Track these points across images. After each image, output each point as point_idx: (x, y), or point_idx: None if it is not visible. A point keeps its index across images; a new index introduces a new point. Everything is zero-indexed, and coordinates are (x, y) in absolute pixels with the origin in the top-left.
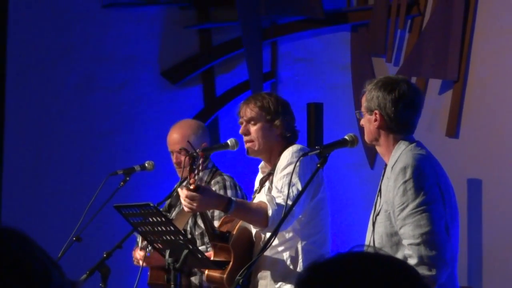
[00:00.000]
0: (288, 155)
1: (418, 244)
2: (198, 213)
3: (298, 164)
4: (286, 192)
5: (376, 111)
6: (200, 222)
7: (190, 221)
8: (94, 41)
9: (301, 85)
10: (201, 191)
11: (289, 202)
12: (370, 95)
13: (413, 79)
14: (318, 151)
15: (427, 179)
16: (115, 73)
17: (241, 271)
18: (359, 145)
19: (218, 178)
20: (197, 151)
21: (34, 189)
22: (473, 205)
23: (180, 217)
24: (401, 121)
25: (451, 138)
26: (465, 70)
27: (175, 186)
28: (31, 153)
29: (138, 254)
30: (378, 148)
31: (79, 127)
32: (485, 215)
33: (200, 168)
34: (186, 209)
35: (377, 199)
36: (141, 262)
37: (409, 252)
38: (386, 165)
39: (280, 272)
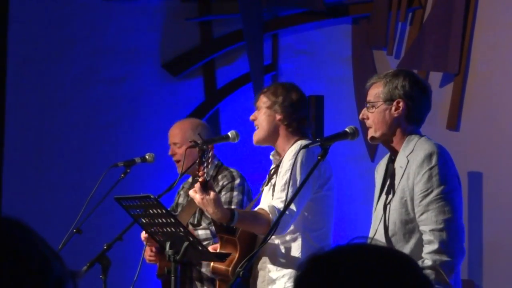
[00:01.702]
0: (292, 152)
1: (440, 230)
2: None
3: (299, 161)
4: (286, 192)
5: (400, 100)
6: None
7: (197, 211)
8: (95, 34)
9: (302, 78)
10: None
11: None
12: (392, 84)
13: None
14: (318, 143)
15: (450, 168)
16: (116, 66)
17: (242, 263)
18: (360, 138)
19: (225, 172)
20: (205, 143)
21: (35, 181)
22: (474, 198)
23: (188, 207)
24: (422, 111)
25: (452, 131)
26: (466, 63)
27: (175, 180)
28: (32, 145)
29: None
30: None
31: (80, 120)
32: (485, 208)
33: (210, 161)
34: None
35: (387, 186)
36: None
37: (430, 238)
38: (390, 155)
39: (279, 263)
